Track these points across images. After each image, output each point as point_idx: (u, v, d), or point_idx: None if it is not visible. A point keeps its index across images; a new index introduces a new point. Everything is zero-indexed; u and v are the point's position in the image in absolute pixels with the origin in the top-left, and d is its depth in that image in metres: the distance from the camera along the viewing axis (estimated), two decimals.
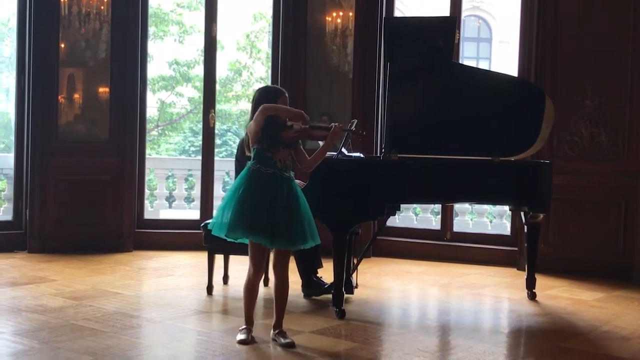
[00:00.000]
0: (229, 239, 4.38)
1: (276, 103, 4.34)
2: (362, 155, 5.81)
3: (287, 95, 4.44)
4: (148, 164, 8.74)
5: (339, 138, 5.02)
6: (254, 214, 4.23)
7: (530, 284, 6.01)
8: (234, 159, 5.83)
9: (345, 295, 5.34)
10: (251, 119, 4.37)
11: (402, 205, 5.69)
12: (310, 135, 4.48)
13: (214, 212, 8.00)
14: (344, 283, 5.25)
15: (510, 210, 7.06)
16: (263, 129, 4.27)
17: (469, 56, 22.05)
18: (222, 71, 16.03)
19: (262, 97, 4.39)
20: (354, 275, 5.83)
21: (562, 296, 6.15)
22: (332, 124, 4.49)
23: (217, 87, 9.63)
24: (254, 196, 4.25)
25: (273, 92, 4.47)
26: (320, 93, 8.00)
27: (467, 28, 21.82)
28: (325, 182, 5.09)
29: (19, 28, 7.65)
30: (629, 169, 6.90)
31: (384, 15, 7.82)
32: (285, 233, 4.26)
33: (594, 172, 6.97)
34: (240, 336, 4.44)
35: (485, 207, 9.54)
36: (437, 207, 9.00)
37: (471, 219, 9.72)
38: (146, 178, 8.53)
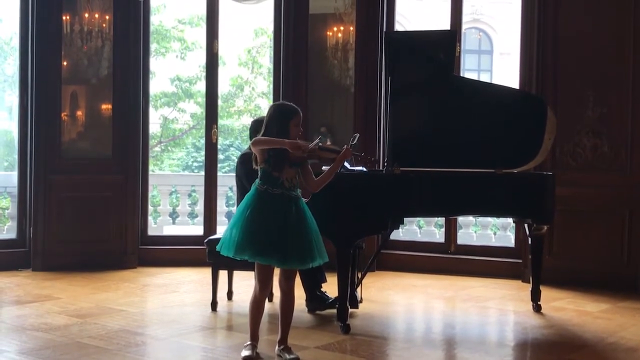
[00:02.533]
0: (237, 259, 4.37)
1: (288, 124, 4.32)
2: (364, 170, 5.81)
3: (300, 113, 4.41)
4: (151, 181, 8.75)
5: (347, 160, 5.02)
6: (263, 236, 4.22)
7: (535, 296, 5.99)
8: (235, 176, 5.79)
9: (350, 310, 5.34)
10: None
11: (405, 219, 5.69)
12: (319, 157, 4.46)
13: (218, 228, 8.10)
14: (348, 297, 5.24)
15: (514, 222, 7.05)
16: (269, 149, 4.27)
17: (470, 68, 22.08)
18: (223, 87, 16.07)
19: (275, 115, 4.39)
20: (358, 289, 5.82)
21: (568, 308, 6.13)
22: (344, 146, 4.50)
23: (219, 102, 9.65)
24: (263, 217, 4.25)
25: (286, 112, 4.39)
26: (321, 107, 8.01)
27: (468, 40, 21.85)
28: (328, 197, 5.07)
29: (21, 46, 7.69)
30: (632, 179, 6.89)
31: (384, 30, 7.84)
32: (296, 253, 4.26)
33: (597, 183, 6.96)
34: (245, 352, 4.43)
35: (489, 219, 9.51)
36: (441, 220, 8.98)
37: (475, 232, 9.69)
38: (149, 194, 8.54)
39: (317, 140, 4.47)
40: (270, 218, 4.25)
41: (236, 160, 5.87)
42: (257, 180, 4.36)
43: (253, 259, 4.29)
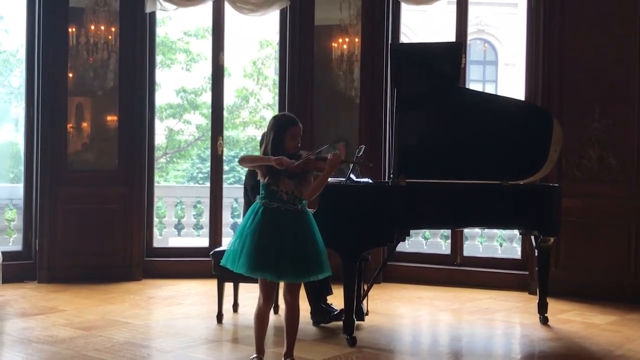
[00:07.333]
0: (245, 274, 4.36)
1: (285, 134, 4.31)
2: (370, 181, 5.80)
3: (299, 125, 4.37)
4: (156, 192, 8.74)
5: (344, 167, 4.98)
6: (258, 251, 4.20)
7: (542, 308, 5.96)
8: (243, 187, 5.82)
9: (356, 322, 5.32)
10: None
11: (411, 231, 5.68)
12: (316, 166, 4.41)
13: (223, 240, 8.09)
14: (354, 310, 5.22)
15: (520, 234, 7.02)
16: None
17: (475, 79, 22.13)
18: (229, 98, 16.12)
19: (273, 126, 4.38)
20: (364, 301, 5.80)
21: (575, 320, 6.10)
22: (331, 153, 4.40)
23: (225, 114, 9.67)
24: (259, 232, 4.23)
25: (282, 122, 4.39)
26: (327, 119, 8.01)
27: (473, 51, 21.90)
28: (334, 209, 5.07)
29: (27, 58, 7.71)
30: (639, 190, 6.86)
31: (390, 41, 7.84)
32: (291, 268, 4.22)
33: (604, 195, 6.93)
34: None
35: (496, 230, 9.49)
36: (447, 231, 8.97)
37: (481, 243, 9.67)
38: (155, 206, 8.54)
39: (317, 150, 4.42)
40: (266, 233, 4.23)
41: (244, 171, 5.89)
42: (259, 194, 4.36)
43: (248, 274, 4.27)
